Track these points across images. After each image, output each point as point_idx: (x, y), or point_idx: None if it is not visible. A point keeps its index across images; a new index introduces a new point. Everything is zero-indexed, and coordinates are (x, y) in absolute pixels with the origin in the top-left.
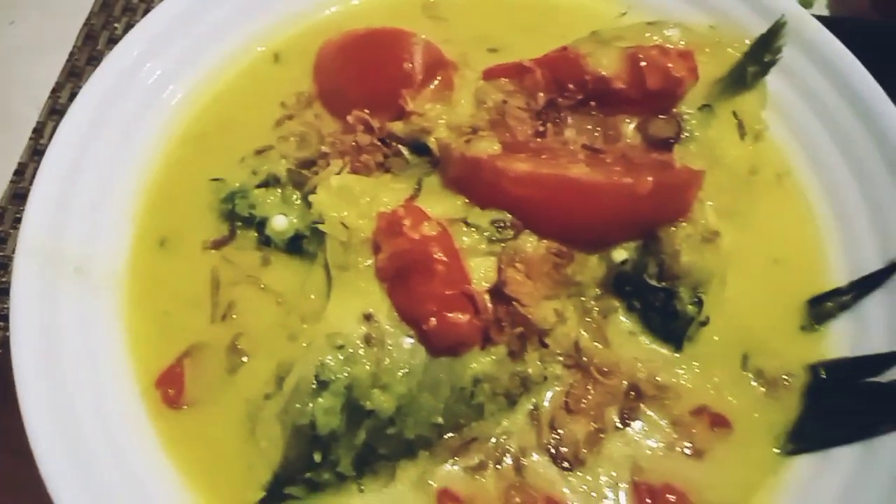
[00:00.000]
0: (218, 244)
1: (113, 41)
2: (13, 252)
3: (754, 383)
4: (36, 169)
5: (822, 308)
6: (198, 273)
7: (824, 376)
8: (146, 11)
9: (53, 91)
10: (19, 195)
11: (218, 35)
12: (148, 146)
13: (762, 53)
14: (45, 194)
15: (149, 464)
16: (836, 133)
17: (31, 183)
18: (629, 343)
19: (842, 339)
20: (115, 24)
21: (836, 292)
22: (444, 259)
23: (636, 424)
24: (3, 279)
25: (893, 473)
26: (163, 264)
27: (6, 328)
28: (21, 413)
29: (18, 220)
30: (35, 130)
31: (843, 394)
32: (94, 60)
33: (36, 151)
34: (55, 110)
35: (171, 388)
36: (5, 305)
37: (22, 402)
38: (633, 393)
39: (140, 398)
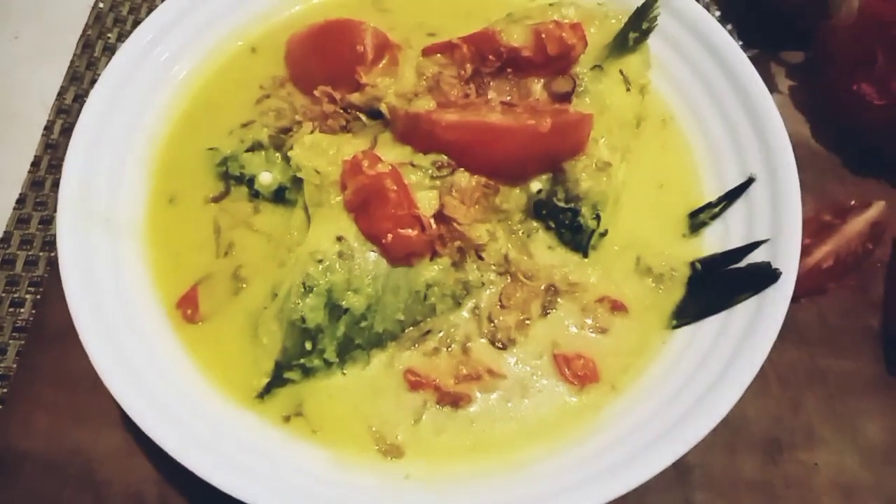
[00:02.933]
0: (216, 199)
1: (108, 49)
2: (36, 231)
3: (646, 278)
4: (49, 161)
5: (698, 219)
6: (201, 222)
7: (700, 268)
8: (136, 23)
9: (59, 94)
10: (37, 182)
11: (204, 33)
12: (154, 124)
13: (640, 22)
14: (76, 161)
15: (178, 365)
16: (705, 83)
17: (45, 173)
18: (547, 254)
19: (713, 240)
20: (109, 35)
21: (709, 206)
22: (395, 188)
23: (554, 313)
24: (31, 252)
25: (743, 325)
26: (173, 216)
27: (37, 293)
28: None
29: (39, 204)
30: (45, 128)
31: (713, 279)
32: (93, 66)
33: (48, 145)
34: (62, 110)
35: (189, 308)
36: (37, 274)
37: (77, 328)
38: (551, 290)
39: (166, 317)
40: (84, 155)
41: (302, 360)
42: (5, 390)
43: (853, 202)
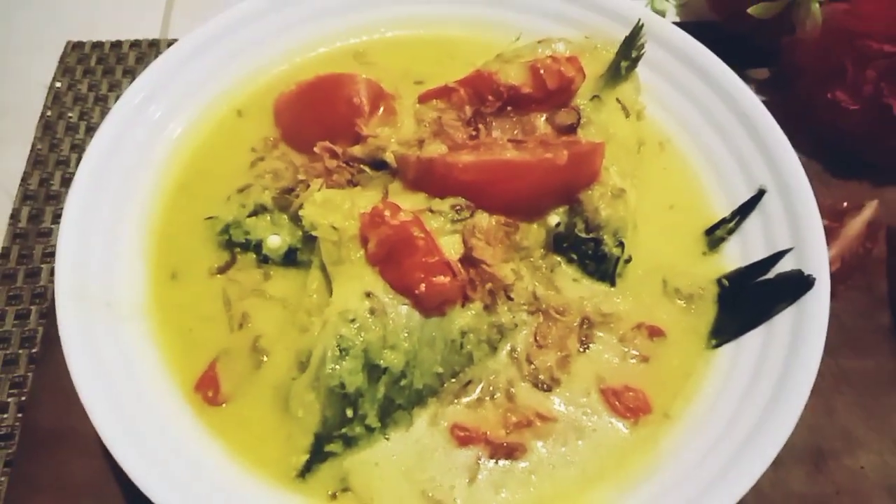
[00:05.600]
0: (222, 269)
1: (71, 129)
2: (13, 327)
3: (676, 300)
4: (18, 251)
5: (715, 235)
6: (209, 295)
7: (727, 284)
8: (97, 98)
9: (23, 180)
10: (8, 275)
11: (193, 95)
12: (146, 199)
13: (629, 51)
14: (68, 247)
15: (206, 453)
16: (696, 103)
17: (16, 264)
18: (574, 287)
19: (734, 254)
20: (70, 114)
21: (723, 221)
22: (423, 236)
23: (593, 346)
24: (9, 351)
25: (788, 335)
26: (178, 292)
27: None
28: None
29: (13, 298)
30: (12, 216)
31: (743, 294)
32: (56, 148)
33: (16, 235)
34: (28, 196)
35: (209, 390)
36: (18, 374)
37: (98, 428)
38: (585, 323)
39: (185, 402)
40: (77, 239)
41: (343, 430)
42: None
43: (845, 204)
